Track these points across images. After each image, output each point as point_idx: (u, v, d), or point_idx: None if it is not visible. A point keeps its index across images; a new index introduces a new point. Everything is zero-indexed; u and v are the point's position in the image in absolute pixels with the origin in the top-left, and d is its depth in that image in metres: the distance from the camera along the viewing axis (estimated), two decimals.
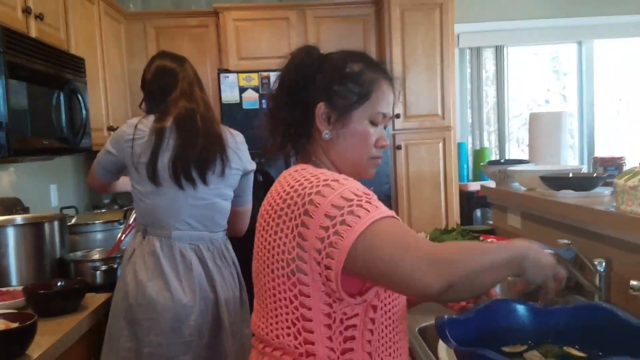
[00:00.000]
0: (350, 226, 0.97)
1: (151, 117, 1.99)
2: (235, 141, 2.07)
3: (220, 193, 2.03)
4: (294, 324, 1.07)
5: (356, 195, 1.01)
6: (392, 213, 1.01)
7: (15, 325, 1.48)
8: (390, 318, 1.13)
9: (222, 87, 3.36)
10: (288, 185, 1.09)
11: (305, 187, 1.05)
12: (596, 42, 4.46)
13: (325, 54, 1.23)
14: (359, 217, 0.97)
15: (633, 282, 1.35)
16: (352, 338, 1.07)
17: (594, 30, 4.38)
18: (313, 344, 1.06)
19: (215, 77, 3.50)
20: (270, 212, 1.10)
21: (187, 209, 1.95)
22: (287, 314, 1.08)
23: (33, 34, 2.22)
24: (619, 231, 1.56)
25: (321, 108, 1.16)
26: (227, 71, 3.43)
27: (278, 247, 1.07)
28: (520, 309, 1.12)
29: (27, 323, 1.47)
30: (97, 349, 1.92)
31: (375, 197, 1.05)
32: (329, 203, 1.00)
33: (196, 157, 1.94)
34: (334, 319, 1.06)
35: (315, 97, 1.17)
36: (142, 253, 1.93)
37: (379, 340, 1.10)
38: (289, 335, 1.08)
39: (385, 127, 1.24)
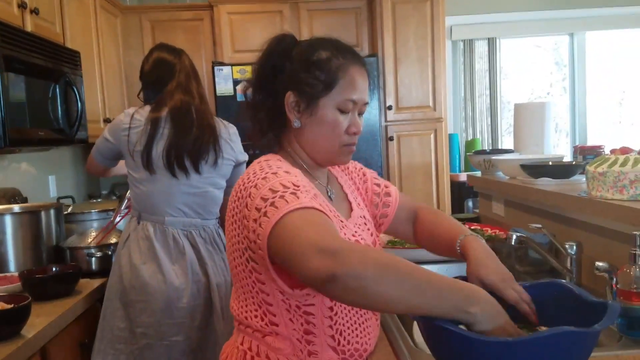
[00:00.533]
0: (268, 217, 1.00)
1: (147, 107, 2.06)
2: (229, 133, 2.14)
3: (213, 182, 2.10)
4: (260, 307, 1.14)
5: (283, 186, 1.03)
6: (310, 204, 1.00)
7: (10, 306, 1.55)
8: None
9: (216, 79, 3.43)
10: (242, 178, 1.13)
11: (251, 180, 1.09)
12: (588, 33, 4.50)
13: (296, 42, 1.23)
14: (277, 208, 0.99)
15: (598, 263, 1.41)
16: (313, 324, 1.12)
17: (586, 22, 4.42)
18: (277, 325, 1.12)
19: (209, 70, 3.56)
20: (231, 201, 1.15)
21: (180, 197, 2.02)
22: (253, 297, 1.14)
23: (29, 28, 2.28)
24: (588, 215, 1.62)
25: (290, 97, 1.18)
26: (222, 64, 3.49)
27: (234, 237, 1.13)
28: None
29: (22, 304, 1.54)
30: (91, 331, 1.99)
31: (305, 188, 1.06)
32: (259, 196, 1.04)
33: (190, 147, 2.01)
34: (289, 304, 1.11)
35: (284, 86, 1.18)
36: (136, 238, 2.01)
37: (343, 324, 1.14)
38: (256, 317, 1.14)
39: (360, 114, 1.22)
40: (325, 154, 1.22)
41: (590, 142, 4.46)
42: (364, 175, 1.46)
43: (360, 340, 1.17)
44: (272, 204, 1.01)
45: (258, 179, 1.08)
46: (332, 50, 1.19)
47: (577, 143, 4.55)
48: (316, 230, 0.95)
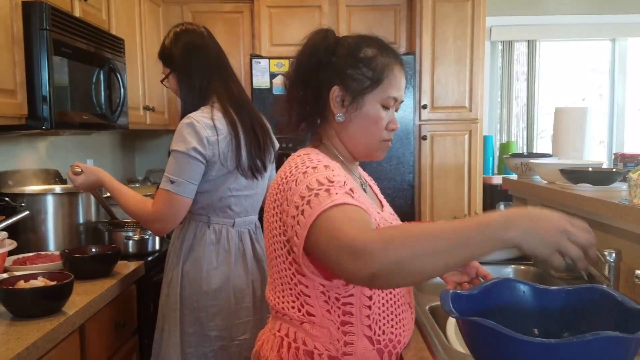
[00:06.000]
0: (305, 218, 1.02)
1: (209, 110, 1.88)
2: (268, 124, 2.06)
3: (270, 177, 2.05)
4: (297, 298, 1.17)
5: (319, 183, 1.05)
6: (342, 200, 1.02)
7: (53, 283, 1.60)
8: (390, 294, 1.19)
9: (253, 72, 3.46)
10: (284, 171, 1.16)
11: (293, 174, 1.12)
12: (630, 40, 4.41)
13: (339, 37, 1.25)
14: (311, 208, 1.02)
15: (638, 272, 1.40)
16: (350, 313, 1.14)
17: (628, 28, 4.33)
18: (314, 315, 1.15)
19: (247, 63, 3.60)
20: (272, 194, 1.18)
21: (250, 197, 1.97)
22: (290, 289, 1.18)
23: (77, 13, 2.33)
24: (628, 223, 1.60)
25: (335, 91, 1.20)
26: (259, 57, 3.52)
27: (274, 229, 1.16)
28: (523, 288, 1.18)
29: (65, 281, 1.58)
30: (125, 313, 2.04)
31: (339, 184, 1.06)
32: (298, 193, 1.06)
33: (258, 145, 1.95)
34: (328, 296, 1.14)
35: (329, 80, 1.21)
36: (206, 243, 1.91)
37: (378, 314, 1.16)
38: (293, 307, 1.18)
39: (396, 111, 1.27)
40: (365, 149, 1.26)
41: (627, 151, 4.38)
42: None
43: (395, 331, 1.19)
44: (308, 202, 1.03)
45: (299, 173, 1.11)
46: (378, 48, 1.23)
47: (613, 151, 4.47)
48: (346, 229, 0.96)
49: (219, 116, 1.87)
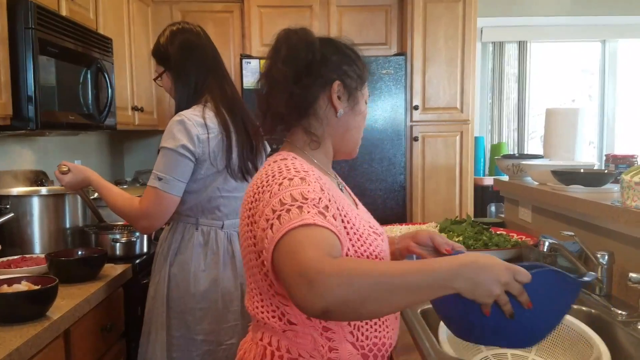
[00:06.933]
0: (273, 233, 0.98)
1: (200, 109, 1.86)
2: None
3: None
4: (277, 308, 1.14)
5: (293, 198, 1.01)
6: (312, 220, 0.97)
7: (37, 287, 1.57)
8: None
9: (244, 72, 3.43)
10: (260, 178, 1.13)
11: (269, 184, 1.08)
12: (621, 41, 4.43)
13: (321, 37, 1.24)
14: (281, 224, 0.97)
15: (632, 275, 1.38)
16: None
17: (618, 30, 4.35)
18: (295, 324, 1.12)
19: (237, 63, 3.57)
20: (247, 202, 1.15)
21: (240, 199, 1.90)
22: (270, 299, 1.14)
23: (64, 12, 2.30)
24: (622, 225, 1.59)
25: (337, 87, 1.19)
26: (250, 57, 3.50)
27: (249, 238, 1.13)
28: None
29: (49, 286, 1.55)
30: (112, 317, 2.01)
31: (314, 200, 1.02)
32: (270, 206, 1.02)
33: (252, 148, 1.92)
34: None
35: (329, 75, 1.19)
36: (193, 245, 1.88)
37: (360, 320, 1.14)
38: (273, 317, 1.14)
39: None
40: (354, 145, 1.29)
41: (618, 152, 4.39)
42: None
43: (379, 334, 1.17)
44: (278, 217, 0.99)
45: (275, 184, 1.07)
46: (357, 52, 1.27)
47: (604, 151, 4.48)
48: (309, 253, 0.91)
49: (210, 115, 1.86)
